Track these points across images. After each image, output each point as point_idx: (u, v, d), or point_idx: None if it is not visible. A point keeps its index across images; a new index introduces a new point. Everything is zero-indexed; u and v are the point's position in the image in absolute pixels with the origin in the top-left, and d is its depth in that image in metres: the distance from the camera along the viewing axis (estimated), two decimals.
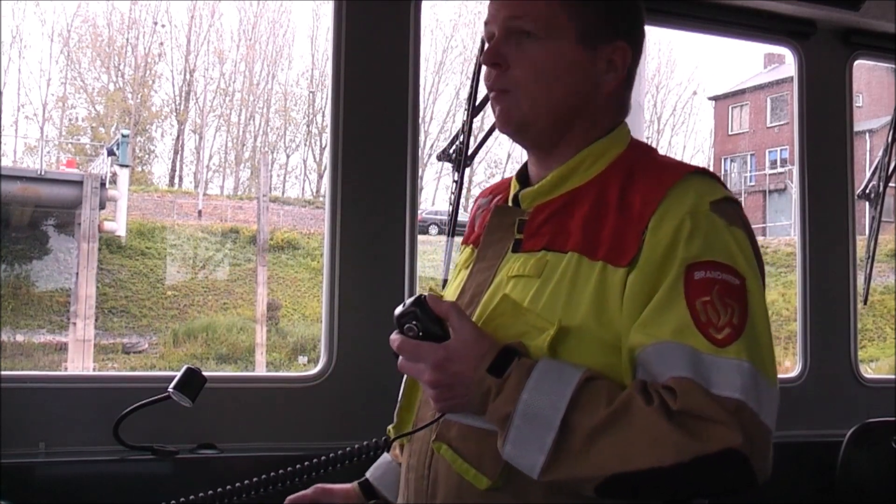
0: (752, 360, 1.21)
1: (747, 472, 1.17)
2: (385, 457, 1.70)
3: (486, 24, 1.43)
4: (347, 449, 1.56)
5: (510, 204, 1.48)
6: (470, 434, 1.32)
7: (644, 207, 1.29)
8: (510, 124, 1.43)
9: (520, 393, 1.22)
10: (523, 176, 1.50)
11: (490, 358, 1.25)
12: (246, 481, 1.62)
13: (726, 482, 1.19)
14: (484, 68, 1.43)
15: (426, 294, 1.31)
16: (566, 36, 1.36)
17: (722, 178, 1.42)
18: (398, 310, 1.31)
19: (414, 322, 1.28)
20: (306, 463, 1.60)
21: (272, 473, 1.65)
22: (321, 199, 22.81)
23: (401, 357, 1.32)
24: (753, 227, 1.38)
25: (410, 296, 1.34)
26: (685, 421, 1.16)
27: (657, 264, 1.25)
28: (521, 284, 1.35)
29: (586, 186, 1.38)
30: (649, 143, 1.48)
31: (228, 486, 1.62)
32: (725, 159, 27.95)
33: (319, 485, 1.64)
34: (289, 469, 1.60)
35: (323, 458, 1.56)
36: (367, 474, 1.69)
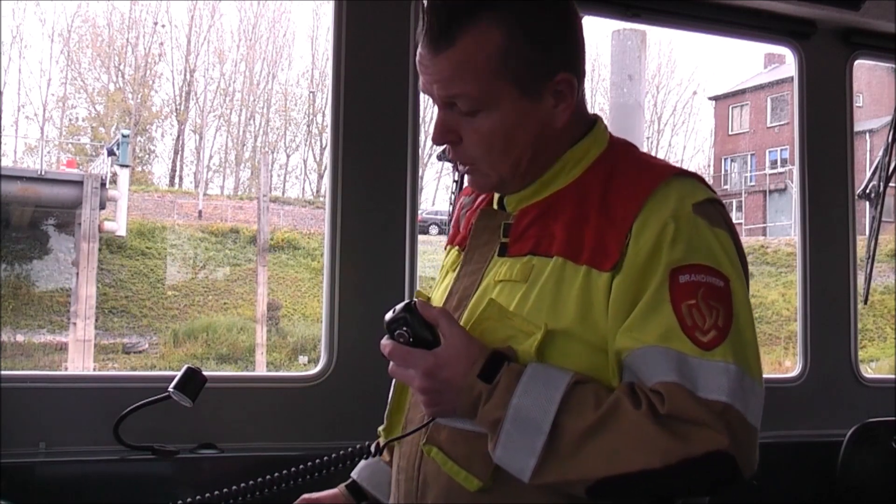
0: (737, 361, 1.22)
1: (733, 471, 1.20)
2: None
3: (422, 91, 1.38)
4: (333, 455, 1.49)
5: (495, 206, 1.49)
6: (459, 437, 1.33)
7: (626, 211, 1.30)
8: (487, 190, 1.48)
9: (510, 398, 1.23)
10: None
11: (480, 364, 1.26)
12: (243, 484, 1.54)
13: (713, 481, 1.22)
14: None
15: (416, 300, 1.32)
16: (507, 96, 1.32)
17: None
18: (388, 315, 1.31)
19: (404, 328, 1.29)
20: (292, 469, 1.49)
21: (260, 479, 1.50)
22: (321, 199, 22.81)
23: (392, 363, 1.32)
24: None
25: (404, 300, 1.33)
26: (672, 424, 1.18)
27: (641, 269, 1.26)
28: (508, 289, 1.35)
29: (568, 188, 1.38)
30: (628, 140, 1.47)
31: (226, 489, 1.54)
32: (726, 159, 27.91)
33: (305, 496, 1.63)
34: (276, 475, 1.48)
35: (309, 463, 1.48)
36: (354, 475, 1.67)
